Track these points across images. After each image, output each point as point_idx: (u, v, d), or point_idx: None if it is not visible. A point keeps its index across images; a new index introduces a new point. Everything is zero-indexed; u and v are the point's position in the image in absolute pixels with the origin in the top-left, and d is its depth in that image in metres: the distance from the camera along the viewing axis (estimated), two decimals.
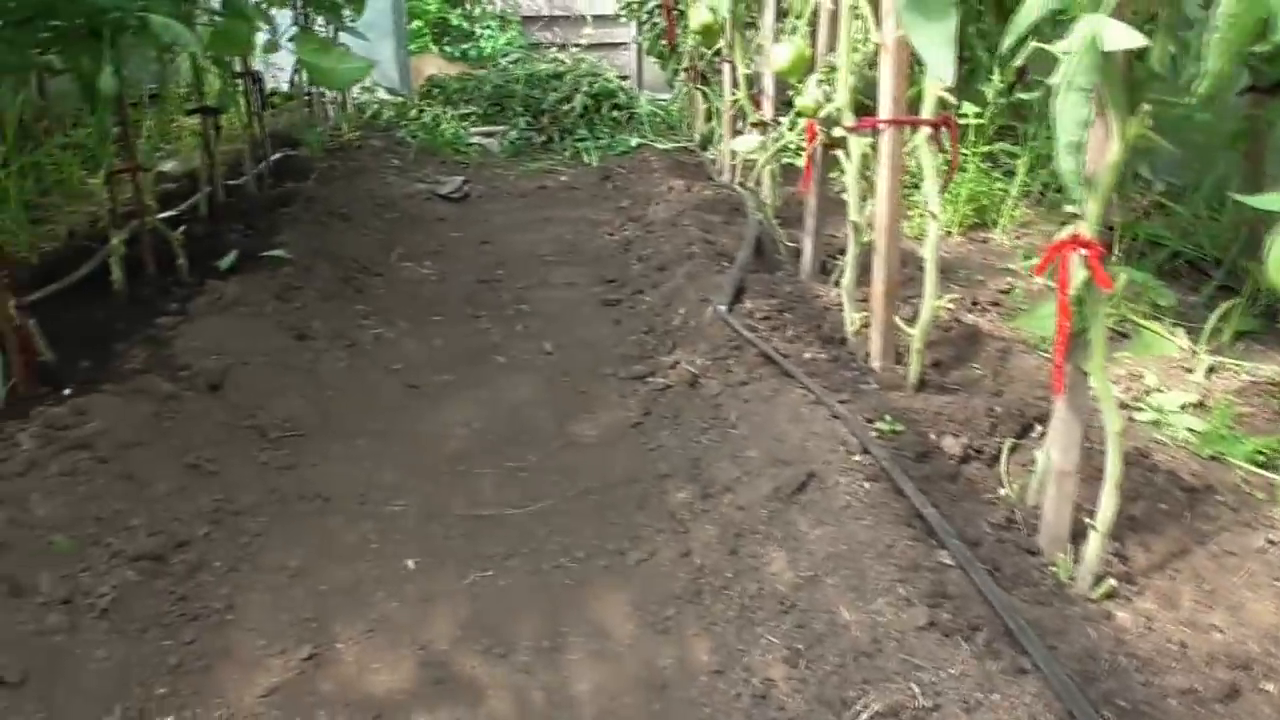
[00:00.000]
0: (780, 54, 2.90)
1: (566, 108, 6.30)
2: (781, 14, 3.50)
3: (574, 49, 8.95)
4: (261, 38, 3.83)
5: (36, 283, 2.88)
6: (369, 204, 4.51)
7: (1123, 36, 1.26)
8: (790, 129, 3.42)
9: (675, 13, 5.38)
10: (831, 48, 2.84)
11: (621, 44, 8.86)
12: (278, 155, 5.10)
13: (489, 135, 6.28)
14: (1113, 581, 1.67)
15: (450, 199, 4.97)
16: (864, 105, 2.69)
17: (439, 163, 5.75)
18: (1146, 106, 1.46)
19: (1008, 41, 1.62)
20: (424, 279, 3.76)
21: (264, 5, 3.89)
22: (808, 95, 2.86)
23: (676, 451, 2.38)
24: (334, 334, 3.07)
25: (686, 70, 5.49)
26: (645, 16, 5.88)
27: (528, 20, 9.53)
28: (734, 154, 4.51)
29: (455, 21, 9.21)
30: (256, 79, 4.52)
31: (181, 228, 3.35)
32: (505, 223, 4.60)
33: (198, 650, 1.71)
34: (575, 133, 6.22)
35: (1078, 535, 1.75)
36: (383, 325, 3.25)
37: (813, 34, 2.94)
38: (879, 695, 1.46)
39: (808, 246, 3.22)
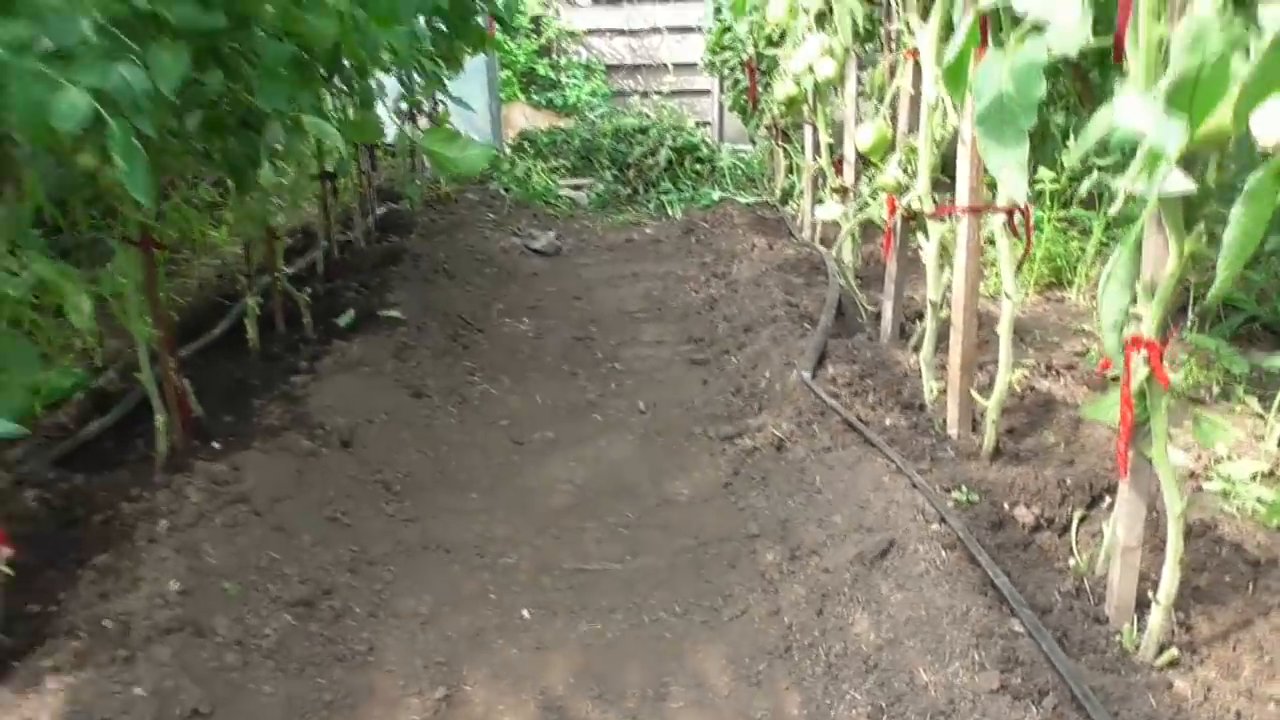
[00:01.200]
0: (864, 135, 3.10)
1: (651, 161, 6.57)
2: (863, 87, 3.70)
3: (656, 96, 9.26)
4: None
5: (179, 338, 3.20)
6: (469, 259, 4.80)
7: (1179, 182, 1.43)
8: (871, 197, 3.61)
9: (758, 72, 5.61)
10: (912, 128, 3.03)
11: (703, 90, 9.14)
12: (382, 210, 5.46)
13: (577, 188, 6.57)
14: (1175, 651, 1.82)
15: (544, 254, 5.25)
16: (941, 182, 2.87)
17: (531, 215, 6.05)
18: (1201, 226, 1.63)
19: (1076, 155, 1.80)
20: (523, 335, 4.02)
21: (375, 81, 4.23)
22: (889, 174, 3.05)
23: (765, 513, 2.57)
24: (446, 391, 3.34)
25: (768, 128, 5.71)
26: (727, 73, 6.12)
27: (612, 69, 9.87)
28: (815, 212, 4.71)
29: (543, 71, 9.59)
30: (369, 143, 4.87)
31: (307, 289, 3.67)
32: (595, 277, 4.86)
33: (346, 688, 1.95)
34: (659, 185, 6.48)
35: (1143, 605, 1.90)
36: (488, 381, 3.52)
37: (894, 113, 3.13)
38: None
39: (888, 310, 3.40)
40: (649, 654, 2.10)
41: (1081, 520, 2.23)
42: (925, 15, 2.56)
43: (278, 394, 2.99)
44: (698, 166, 6.65)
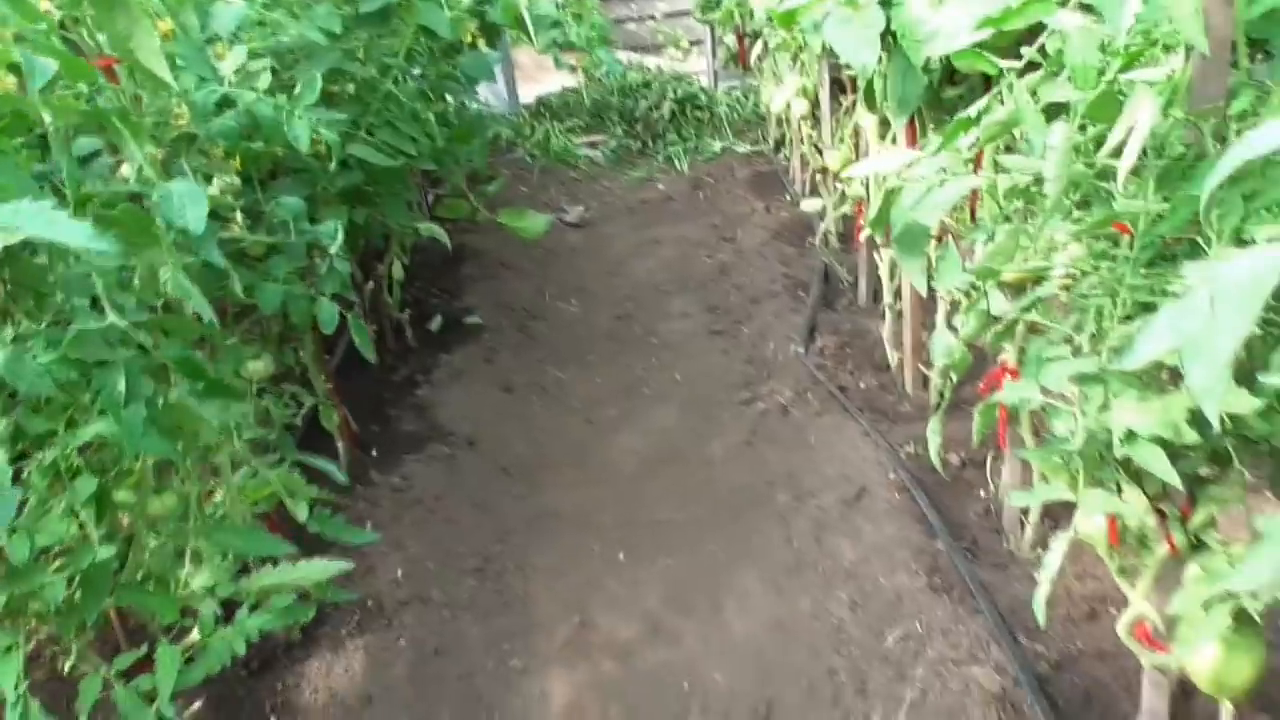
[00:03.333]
0: (831, 158, 3.99)
1: (656, 115, 7.38)
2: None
3: (649, 21, 9.97)
4: None
5: None
6: (518, 244, 5.74)
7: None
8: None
9: (746, 36, 6.36)
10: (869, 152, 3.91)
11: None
12: (430, 195, 6.37)
13: (593, 146, 7.42)
14: (1040, 551, 2.85)
15: (576, 226, 6.18)
16: None
17: (558, 182, 6.94)
18: None
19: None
20: (574, 318, 5.01)
21: None
22: (855, 185, 3.96)
23: (776, 465, 3.61)
24: (528, 383, 4.36)
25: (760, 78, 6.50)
26: (718, 29, 6.85)
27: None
28: (804, 167, 5.58)
29: (543, 11, 10.22)
30: None
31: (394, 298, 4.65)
32: (623, 248, 5.80)
33: (517, 624, 3.04)
34: (666, 137, 7.31)
35: (1025, 519, 2.92)
36: (557, 368, 4.53)
37: (856, 140, 4.01)
38: (900, 626, 2.69)
39: (862, 282, 4.35)
40: (707, 578, 3.17)
41: (994, 459, 3.24)
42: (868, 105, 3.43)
43: (408, 405, 4.02)
44: (698, 114, 7.45)
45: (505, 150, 7.43)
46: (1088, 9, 1.45)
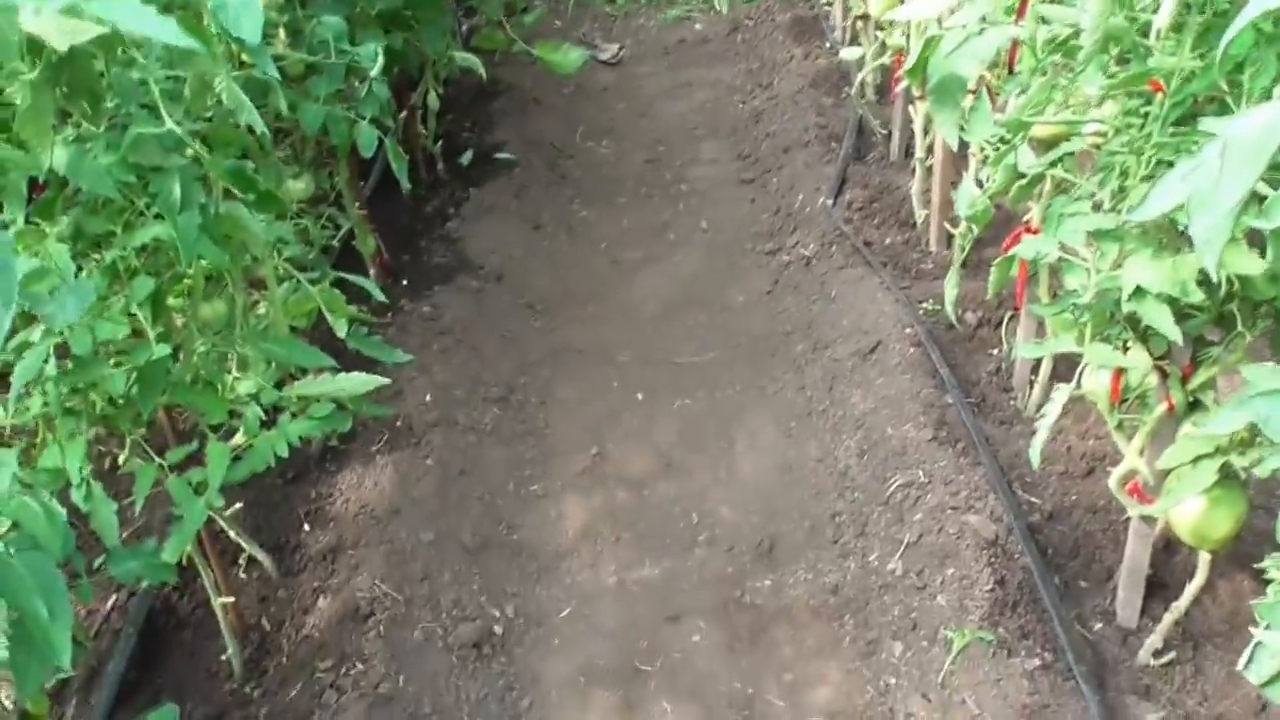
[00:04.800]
0: (873, 3, 3.88)
1: None
2: None
3: None
4: None
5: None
6: (550, 81, 5.64)
7: None
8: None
9: None
10: None
11: None
12: (465, 27, 6.24)
13: None
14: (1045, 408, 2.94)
15: (610, 64, 6.07)
16: None
17: (593, 18, 6.76)
18: None
19: None
20: (604, 159, 4.99)
21: None
22: (896, 34, 3.87)
23: (796, 315, 3.68)
24: (556, 221, 4.40)
25: None
26: None
27: None
28: (845, 14, 5.43)
29: None
30: None
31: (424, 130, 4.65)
32: (655, 90, 5.71)
33: (538, 450, 3.20)
34: None
35: (1034, 378, 3.01)
36: (585, 207, 4.56)
37: None
38: (903, 475, 2.82)
39: (895, 136, 4.30)
40: (720, 419, 3.30)
41: (1010, 319, 3.30)
42: None
43: (437, 237, 4.09)
44: None
45: None
46: None
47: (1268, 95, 1.41)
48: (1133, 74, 1.49)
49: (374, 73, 2.33)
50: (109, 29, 1.18)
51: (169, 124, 1.46)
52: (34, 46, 1.32)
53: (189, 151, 1.53)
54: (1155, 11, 1.44)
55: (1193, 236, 1.00)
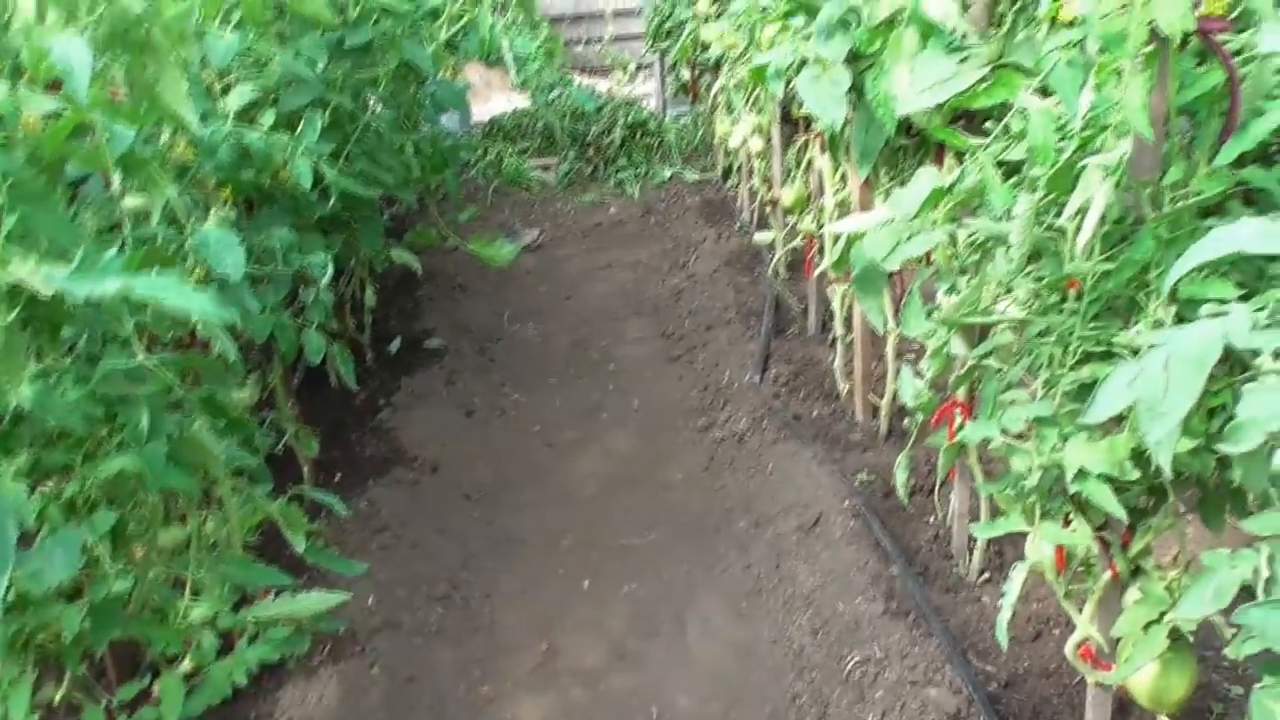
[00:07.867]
0: (786, 195, 4.15)
1: (607, 140, 7.51)
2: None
3: (597, 44, 10.16)
4: None
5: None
6: (474, 266, 5.79)
7: None
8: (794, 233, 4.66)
9: (697, 66, 6.52)
10: (822, 191, 4.08)
11: (641, 35, 10.03)
12: (386, 215, 6.40)
13: (545, 168, 7.51)
14: (988, 574, 3.01)
15: (531, 249, 6.26)
16: None
17: (512, 203, 7.01)
18: None
19: None
20: (532, 342, 5.09)
21: None
22: (807, 221, 4.12)
23: (735, 491, 3.73)
24: (489, 406, 4.43)
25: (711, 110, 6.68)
26: (672, 65, 7.01)
27: (555, 20, 10.64)
28: (752, 198, 5.75)
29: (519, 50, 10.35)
30: None
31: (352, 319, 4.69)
32: (577, 271, 5.90)
33: (486, 648, 3.11)
34: (616, 161, 7.44)
35: (973, 545, 3.09)
36: (516, 391, 4.61)
37: (806, 176, 4.17)
38: (859, 651, 2.82)
39: (812, 312, 4.51)
40: (670, 603, 3.28)
41: (941, 485, 3.41)
42: (822, 150, 3.59)
43: (369, 428, 4.07)
44: (647, 140, 7.60)
45: (459, 171, 7.48)
46: (1046, 93, 1.61)
47: (1173, 293, 1.55)
48: (1055, 277, 1.63)
49: (324, 282, 2.38)
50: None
51: (140, 358, 1.47)
52: (14, 291, 1.34)
53: (161, 379, 1.53)
54: (1070, 220, 1.60)
55: (1149, 443, 1.09)
